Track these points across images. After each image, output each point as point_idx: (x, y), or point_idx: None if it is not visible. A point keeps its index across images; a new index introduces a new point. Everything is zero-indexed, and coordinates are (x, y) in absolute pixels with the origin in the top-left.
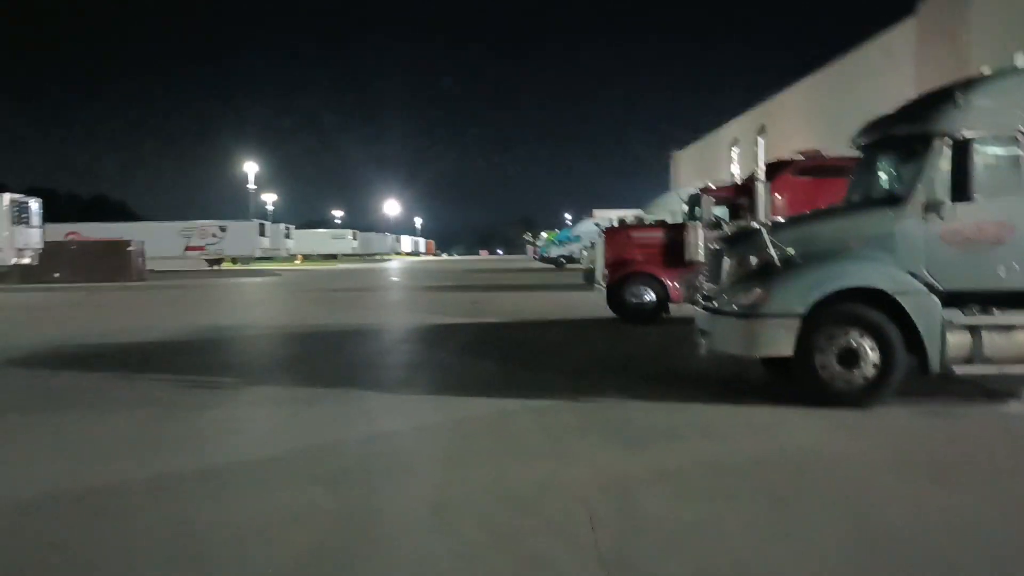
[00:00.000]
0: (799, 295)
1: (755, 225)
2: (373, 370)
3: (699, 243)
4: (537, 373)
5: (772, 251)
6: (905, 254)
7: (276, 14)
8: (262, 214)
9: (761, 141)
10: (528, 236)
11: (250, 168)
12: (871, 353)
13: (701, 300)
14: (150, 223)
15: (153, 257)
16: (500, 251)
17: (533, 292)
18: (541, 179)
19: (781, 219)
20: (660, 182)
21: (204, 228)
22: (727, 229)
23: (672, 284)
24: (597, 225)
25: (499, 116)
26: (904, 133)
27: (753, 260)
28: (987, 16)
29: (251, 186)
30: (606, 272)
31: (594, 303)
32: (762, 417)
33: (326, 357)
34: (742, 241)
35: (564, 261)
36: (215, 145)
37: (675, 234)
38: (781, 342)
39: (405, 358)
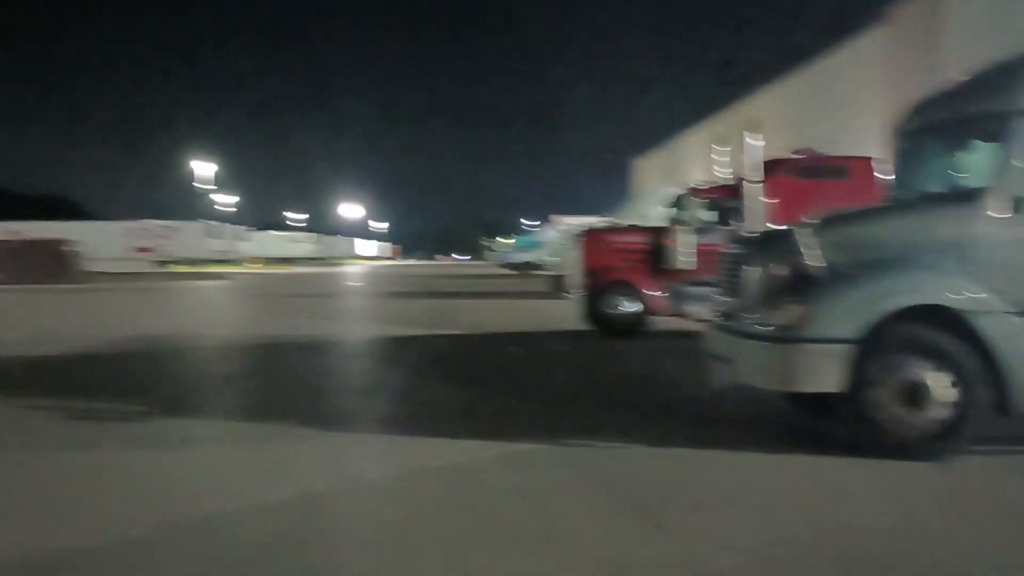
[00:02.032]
0: (850, 315)
1: (787, 226)
2: (311, 398)
3: (685, 249)
4: (507, 402)
5: (810, 258)
6: (983, 263)
7: (240, 14)
8: (217, 215)
9: (755, 138)
10: (486, 242)
11: (205, 168)
12: (943, 390)
13: (714, 317)
14: (96, 223)
15: (99, 258)
16: (460, 256)
17: (496, 300)
18: (506, 186)
19: (814, 219)
20: (621, 189)
21: (153, 229)
22: (743, 230)
23: (655, 294)
24: (560, 231)
25: (463, 125)
26: (977, 112)
27: (785, 269)
28: (961, 26)
29: (206, 186)
30: (582, 280)
31: (564, 313)
32: (808, 473)
33: (257, 379)
34: (770, 245)
35: (527, 267)
36: (179, 147)
37: (659, 239)
38: (826, 375)
39: (352, 380)
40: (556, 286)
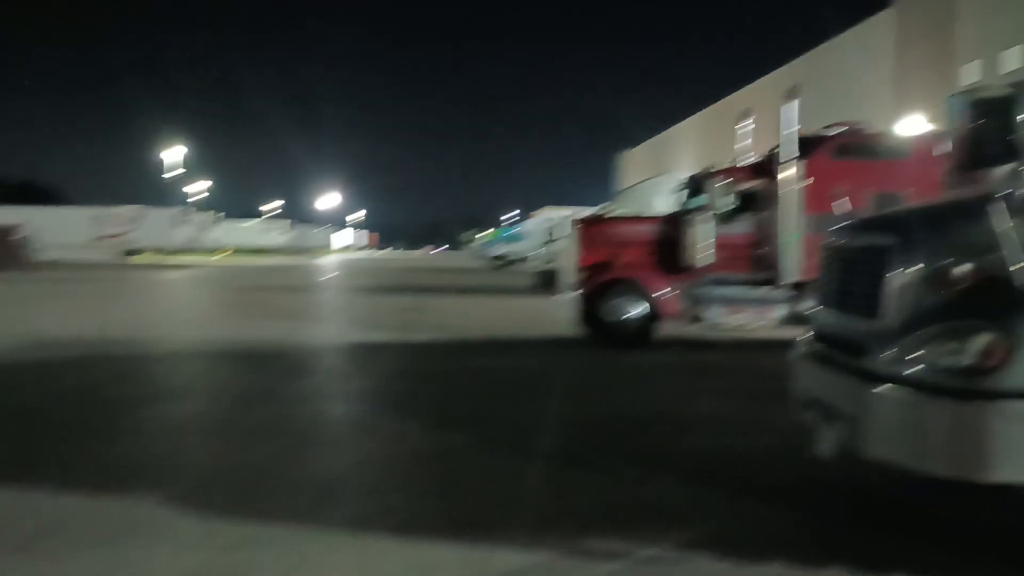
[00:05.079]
0: None
1: (975, 197)
2: (217, 446)
3: (703, 241)
4: (492, 457)
5: (1016, 256)
6: None
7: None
8: (188, 202)
9: (793, 106)
10: (469, 234)
11: (175, 153)
12: None
13: (810, 344)
14: (58, 208)
15: (61, 246)
16: (440, 247)
17: (477, 297)
18: (486, 177)
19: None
20: (607, 183)
21: (118, 215)
22: (873, 209)
23: (666, 294)
24: (544, 224)
25: (445, 113)
26: None
27: (969, 272)
28: (974, 8)
29: (175, 172)
30: (577, 277)
31: (552, 315)
32: None
33: (157, 409)
34: (940, 232)
35: (508, 261)
36: (153, 132)
37: (671, 229)
38: None
39: (283, 413)
40: (541, 282)
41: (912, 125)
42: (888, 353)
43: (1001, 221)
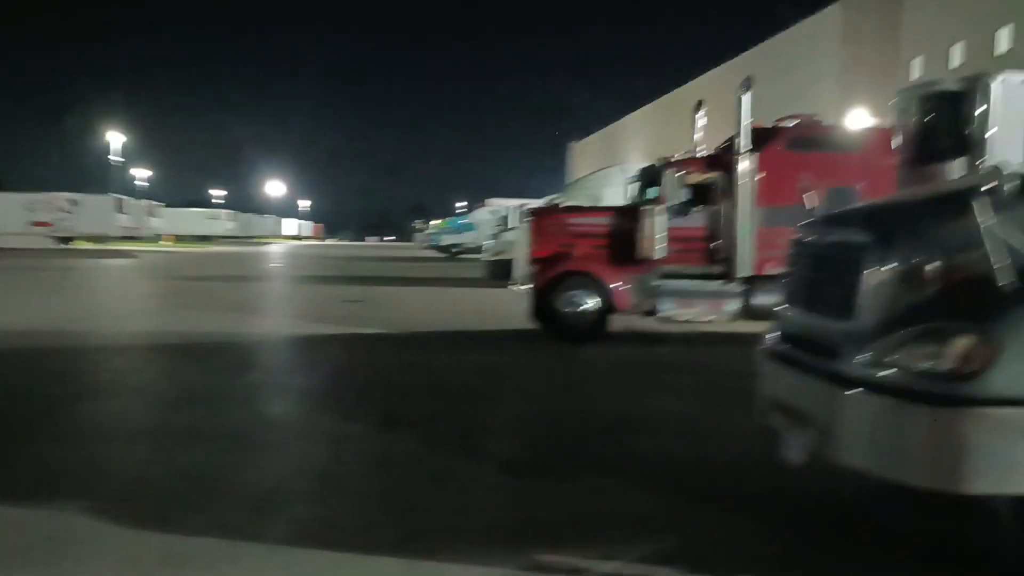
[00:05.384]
0: None
1: (959, 186)
2: (145, 450)
3: (657, 233)
4: (441, 463)
5: (999, 251)
6: None
7: None
8: (129, 190)
9: (747, 98)
10: (418, 224)
11: (117, 140)
12: None
13: (777, 343)
14: None
15: None
16: (387, 238)
17: (426, 287)
18: (434, 167)
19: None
20: (556, 174)
21: (52, 201)
22: (846, 201)
23: (620, 287)
24: (492, 214)
25: (391, 102)
26: None
27: (950, 269)
28: (920, 4)
29: (115, 158)
30: (530, 269)
31: (504, 305)
32: None
33: (81, 410)
34: (913, 227)
35: (456, 251)
36: (97, 118)
37: (625, 221)
38: None
39: (218, 414)
40: (492, 273)
41: (858, 119)
42: (862, 356)
43: (985, 216)
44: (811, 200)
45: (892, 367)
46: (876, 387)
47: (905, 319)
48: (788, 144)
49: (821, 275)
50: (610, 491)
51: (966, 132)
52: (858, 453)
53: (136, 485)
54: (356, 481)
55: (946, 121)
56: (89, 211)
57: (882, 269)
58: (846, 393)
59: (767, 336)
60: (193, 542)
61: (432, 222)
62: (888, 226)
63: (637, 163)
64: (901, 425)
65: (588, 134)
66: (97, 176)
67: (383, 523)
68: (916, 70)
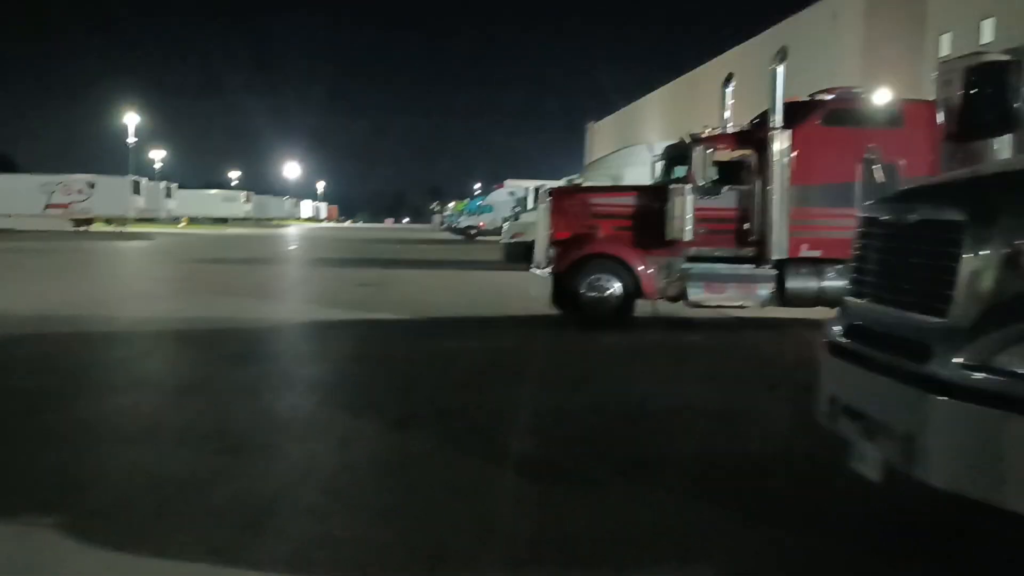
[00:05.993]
0: None
1: None
2: (135, 453)
3: (685, 214)
4: (458, 467)
5: None
6: None
7: None
8: (145, 172)
9: (781, 70)
10: (436, 206)
11: (131, 120)
12: None
13: (845, 337)
14: (9, 176)
15: (11, 214)
16: (403, 219)
17: (443, 270)
18: (451, 148)
19: None
20: (574, 154)
21: (69, 184)
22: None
23: (645, 271)
24: (512, 194)
25: (409, 83)
26: None
27: None
28: None
29: (131, 139)
30: (552, 251)
31: (522, 288)
32: None
33: (73, 405)
34: (1019, 201)
35: (474, 232)
36: (114, 100)
37: (652, 201)
38: None
39: (218, 409)
40: (509, 255)
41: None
42: (958, 357)
43: None
44: (879, 175)
45: (997, 371)
46: (976, 395)
47: (1012, 312)
48: (825, 119)
49: (901, 260)
50: (642, 499)
51: (1014, 106)
52: (951, 472)
53: (122, 494)
54: (363, 489)
55: (992, 94)
56: (106, 193)
57: (981, 253)
58: (938, 399)
59: (830, 328)
60: (178, 564)
61: (449, 204)
62: (992, 200)
63: (659, 142)
64: (1007, 440)
65: (606, 115)
66: (114, 157)
67: (390, 540)
68: (945, 46)
